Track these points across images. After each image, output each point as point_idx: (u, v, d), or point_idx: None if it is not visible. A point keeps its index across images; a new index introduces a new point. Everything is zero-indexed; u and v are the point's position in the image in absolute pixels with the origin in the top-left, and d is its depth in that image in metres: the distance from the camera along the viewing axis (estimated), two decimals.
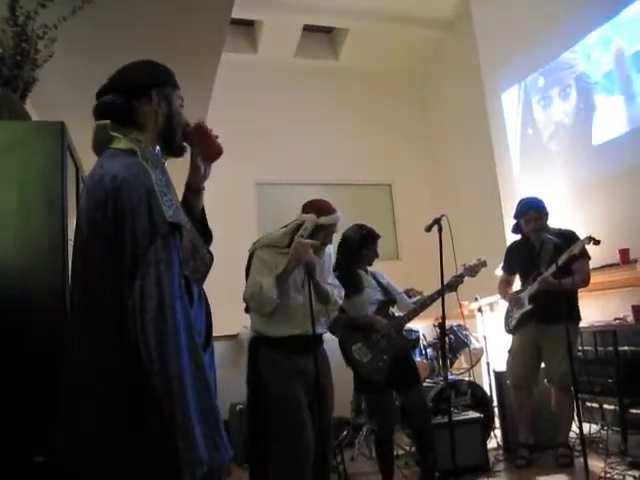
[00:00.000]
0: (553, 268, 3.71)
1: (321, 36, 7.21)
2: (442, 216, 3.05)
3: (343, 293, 3.09)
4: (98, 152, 1.54)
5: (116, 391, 1.34)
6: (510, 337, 4.31)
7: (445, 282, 3.34)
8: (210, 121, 1.71)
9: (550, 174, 5.39)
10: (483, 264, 3.63)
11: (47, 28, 2.24)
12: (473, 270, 3.58)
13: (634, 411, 4.20)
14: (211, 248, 1.56)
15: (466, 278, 3.55)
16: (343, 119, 6.99)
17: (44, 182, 1.97)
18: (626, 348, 4.28)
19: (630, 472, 3.42)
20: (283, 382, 2.62)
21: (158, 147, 1.58)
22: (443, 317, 3.17)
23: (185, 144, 1.62)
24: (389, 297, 3.57)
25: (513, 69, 5.83)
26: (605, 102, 4.92)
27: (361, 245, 3.49)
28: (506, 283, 4.33)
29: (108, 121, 1.50)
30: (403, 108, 7.30)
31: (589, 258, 3.97)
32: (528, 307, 4.01)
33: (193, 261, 1.43)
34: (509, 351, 4.24)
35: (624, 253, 4.44)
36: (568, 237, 3.90)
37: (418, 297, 3.85)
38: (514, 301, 4.15)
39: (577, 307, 4.00)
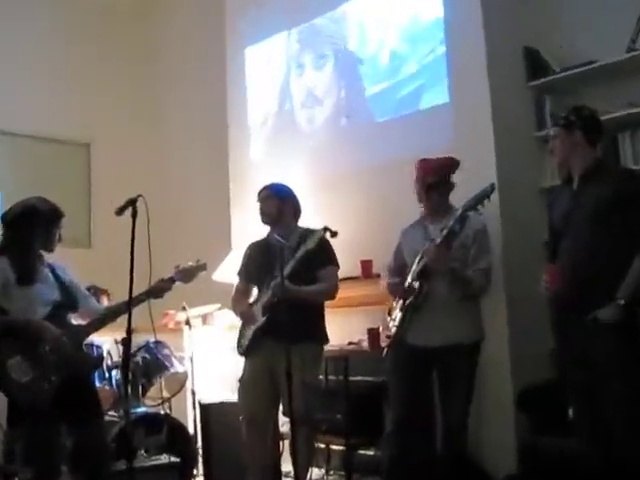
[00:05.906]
0: (288, 270, 3.32)
1: None
2: (138, 196, 2.81)
3: None
4: None
5: None
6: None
7: (150, 285, 3.16)
8: None
9: (295, 158, 4.87)
10: (202, 268, 3.41)
11: None
12: (188, 274, 3.33)
13: (363, 452, 3.95)
14: None
15: (178, 283, 3.27)
16: (38, 50, 5.57)
17: None
18: (359, 378, 4.03)
19: None
20: None
21: None
22: (129, 330, 2.79)
23: None
24: (69, 299, 3.17)
25: (265, 19, 5.13)
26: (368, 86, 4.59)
27: (50, 221, 3.10)
28: (242, 294, 3.79)
29: None
30: (122, 51, 6.07)
31: (338, 267, 3.56)
32: (261, 320, 3.52)
33: None
34: (240, 380, 3.78)
35: (366, 265, 4.05)
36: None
37: (109, 302, 3.77)
38: (246, 316, 3.66)
39: (322, 324, 3.55)
